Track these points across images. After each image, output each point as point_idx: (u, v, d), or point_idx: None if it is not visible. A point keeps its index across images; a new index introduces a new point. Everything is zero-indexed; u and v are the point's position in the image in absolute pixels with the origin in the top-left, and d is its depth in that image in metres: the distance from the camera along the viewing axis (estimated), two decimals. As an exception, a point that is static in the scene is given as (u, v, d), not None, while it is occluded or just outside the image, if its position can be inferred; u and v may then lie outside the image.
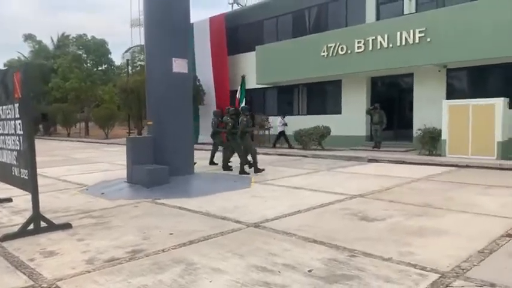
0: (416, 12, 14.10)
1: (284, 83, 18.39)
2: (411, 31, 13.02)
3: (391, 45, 13.57)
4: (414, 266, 3.55)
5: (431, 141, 11.83)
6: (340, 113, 16.69)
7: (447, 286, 3.12)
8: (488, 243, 4.10)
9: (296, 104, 19.03)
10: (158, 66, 8.12)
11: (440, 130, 11.63)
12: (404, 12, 14.41)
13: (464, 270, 3.41)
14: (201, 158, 11.50)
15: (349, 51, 14.79)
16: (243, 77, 12.98)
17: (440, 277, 3.28)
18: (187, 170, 8.42)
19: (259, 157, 10.29)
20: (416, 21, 13.10)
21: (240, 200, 6.63)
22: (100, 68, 37.52)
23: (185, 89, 8.34)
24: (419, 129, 12.34)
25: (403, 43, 13.25)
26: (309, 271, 3.48)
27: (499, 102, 10.57)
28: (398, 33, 13.32)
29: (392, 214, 5.43)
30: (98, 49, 35.18)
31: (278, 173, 9.85)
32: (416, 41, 12.93)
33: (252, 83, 19.23)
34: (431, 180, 8.19)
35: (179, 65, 8.09)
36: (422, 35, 12.78)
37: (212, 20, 20.84)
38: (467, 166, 9.92)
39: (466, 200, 6.19)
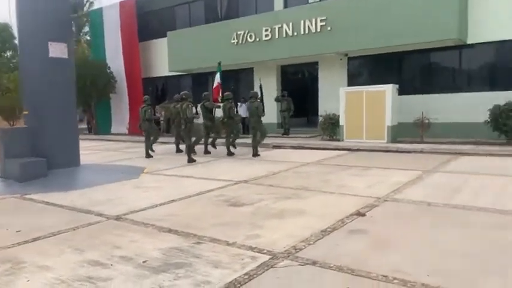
0: (320, 1, 14.49)
1: (197, 71, 18.09)
2: (313, 20, 13.36)
3: (295, 34, 13.84)
4: (253, 249, 3.58)
5: (331, 127, 12.33)
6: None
7: (272, 267, 3.17)
8: (335, 222, 4.27)
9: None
10: (32, 51, 7.48)
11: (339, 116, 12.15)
12: (309, 1, 14.75)
13: (297, 250, 3.50)
14: (114, 149, 10.93)
15: (257, 39, 14.86)
16: (219, 63, 12.82)
17: (270, 258, 3.33)
18: (71, 162, 7.92)
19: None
20: (318, 10, 13.47)
21: (119, 191, 6.36)
22: (5, 55, 34.25)
23: (65, 75, 7.78)
24: (321, 116, 12.79)
25: (307, 32, 13.57)
26: (143, 262, 3.36)
27: (389, 89, 11.24)
28: (302, 21, 13.61)
29: (264, 198, 5.50)
30: (0, 34, 32.02)
31: (177, 161, 9.67)
32: (318, 29, 13.31)
33: (165, 71, 18.71)
34: (319, 164, 8.50)
35: (57, 50, 7.52)
36: (324, 23, 13.18)
37: (122, 4, 19.87)
38: (358, 150, 10.46)
39: (339, 182, 6.47)
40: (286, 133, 14.92)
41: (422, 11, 11.48)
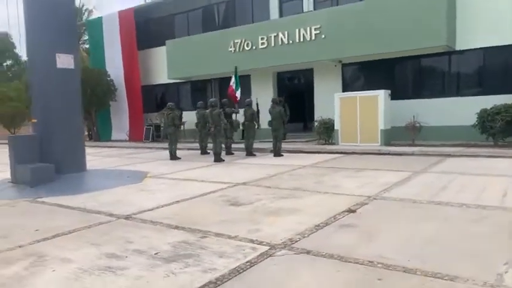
0: (314, 10, 14.98)
1: (196, 78, 18.53)
2: (308, 28, 13.84)
3: (291, 42, 14.30)
4: (253, 241, 3.97)
5: (326, 132, 12.75)
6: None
7: (270, 256, 3.56)
8: (327, 218, 4.67)
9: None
10: (41, 62, 7.88)
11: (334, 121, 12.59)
12: (304, 10, 15.22)
13: (293, 242, 3.90)
14: (116, 155, 11.27)
15: (254, 47, 15.31)
16: (236, 68, 13.68)
17: (269, 249, 3.72)
18: (78, 167, 8.30)
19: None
20: (312, 19, 13.95)
21: (126, 194, 6.73)
22: (4, 64, 34.63)
23: (72, 85, 8.18)
24: (316, 121, 13.23)
25: (301, 40, 14.04)
26: (155, 254, 3.74)
27: (381, 94, 11.69)
28: (297, 30, 14.08)
29: (261, 198, 5.89)
30: (-1, 43, 32.45)
31: (179, 166, 10.05)
32: (313, 37, 13.78)
33: (164, 78, 19.13)
34: (314, 167, 8.90)
35: (64, 61, 7.92)
36: (318, 32, 13.65)
37: (121, 14, 20.31)
38: (353, 153, 10.88)
39: (332, 183, 6.87)
40: (283, 138, 15.30)
41: (413, 19, 11.94)
